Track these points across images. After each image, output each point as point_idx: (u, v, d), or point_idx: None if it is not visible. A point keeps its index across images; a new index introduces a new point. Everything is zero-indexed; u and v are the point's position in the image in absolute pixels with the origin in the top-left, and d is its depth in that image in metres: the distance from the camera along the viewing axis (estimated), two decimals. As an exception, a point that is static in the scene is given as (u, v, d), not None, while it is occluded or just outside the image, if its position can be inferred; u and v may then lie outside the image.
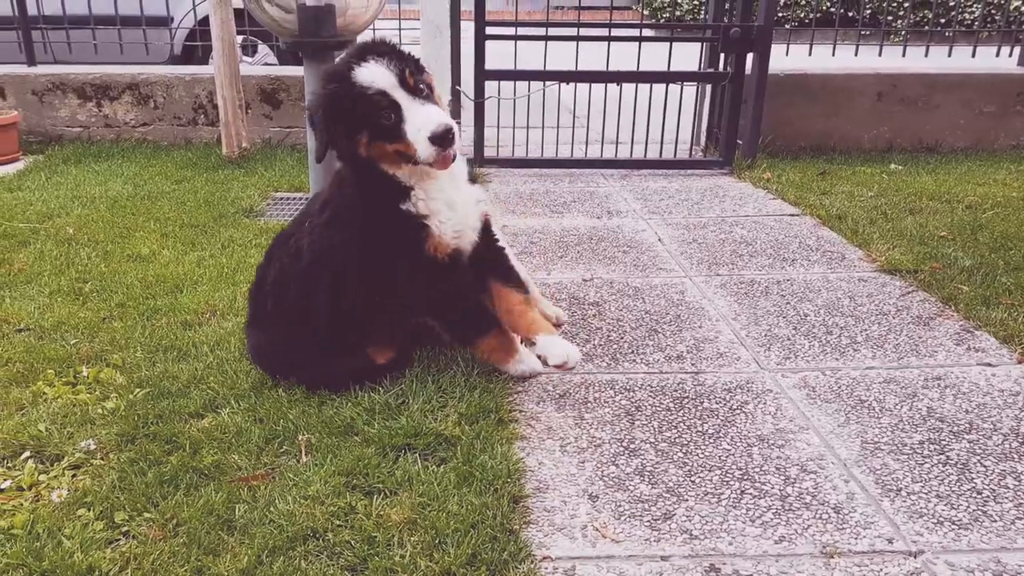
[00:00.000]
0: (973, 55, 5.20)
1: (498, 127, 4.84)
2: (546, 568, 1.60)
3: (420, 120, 1.94)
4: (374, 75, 1.95)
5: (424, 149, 1.95)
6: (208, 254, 3.19)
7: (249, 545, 1.60)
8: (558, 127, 4.81)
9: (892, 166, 4.77)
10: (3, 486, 1.80)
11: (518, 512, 1.74)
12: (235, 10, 4.59)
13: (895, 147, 5.14)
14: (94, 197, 3.94)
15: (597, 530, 1.71)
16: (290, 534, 1.63)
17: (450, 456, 1.90)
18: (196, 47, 6.00)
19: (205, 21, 5.24)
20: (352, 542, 1.61)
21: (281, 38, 2.99)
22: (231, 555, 1.57)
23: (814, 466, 1.93)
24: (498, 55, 4.62)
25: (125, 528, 1.66)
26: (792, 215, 3.92)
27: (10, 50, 5.43)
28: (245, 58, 6.37)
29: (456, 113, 4.62)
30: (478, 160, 4.75)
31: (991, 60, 5.26)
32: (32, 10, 5.34)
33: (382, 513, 1.69)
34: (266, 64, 6.50)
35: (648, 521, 1.74)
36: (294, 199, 4.07)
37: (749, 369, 2.41)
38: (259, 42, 6.59)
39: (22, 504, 1.74)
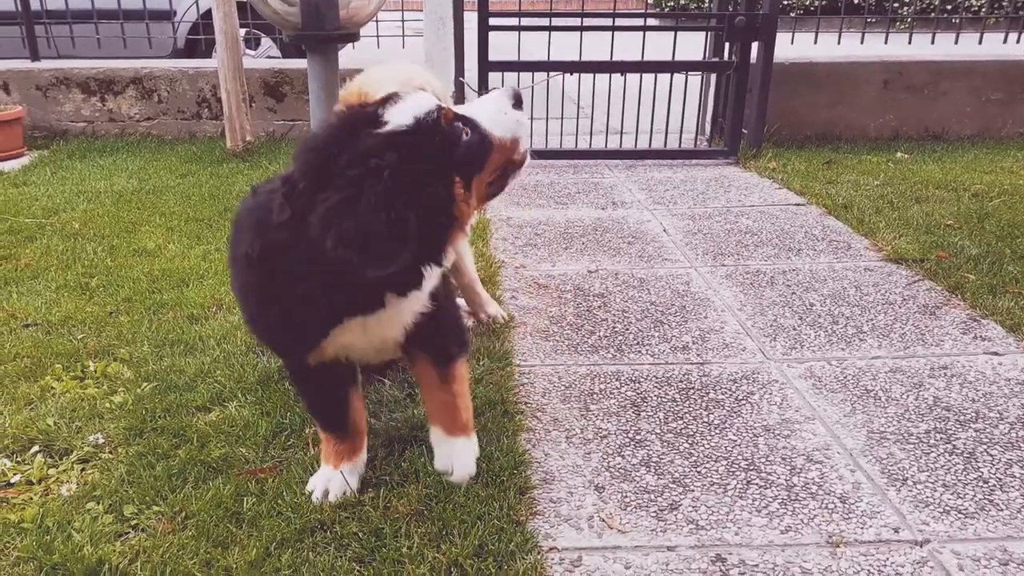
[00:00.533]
0: (980, 42, 5.16)
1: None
2: (552, 559, 1.60)
3: (495, 103, 1.52)
4: (417, 103, 1.41)
5: (519, 128, 1.52)
6: (213, 248, 3.20)
7: (257, 537, 1.61)
8: (562, 118, 4.80)
9: (898, 154, 4.74)
10: (13, 480, 1.81)
11: (524, 503, 1.74)
12: (238, 3, 4.58)
13: (901, 135, 5.11)
14: (99, 192, 3.95)
15: (603, 521, 1.72)
16: (298, 526, 1.64)
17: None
18: (199, 40, 5.99)
19: (208, 14, 5.24)
20: (360, 534, 1.62)
21: (284, 31, 2.98)
22: (240, 547, 1.58)
23: (820, 456, 1.93)
24: (501, 45, 4.61)
25: (134, 521, 1.68)
26: (798, 204, 3.90)
27: (13, 45, 5.43)
28: (248, 51, 6.36)
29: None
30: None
31: (998, 47, 5.21)
32: (35, 5, 5.34)
33: (389, 505, 1.70)
34: (269, 57, 6.49)
35: (654, 512, 1.74)
36: (298, 192, 4.07)
37: (755, 359, 2.41)
38: (262, 35, 6.59)
39: (32, 498, 1.76)
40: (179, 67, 5.22)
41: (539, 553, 1.60)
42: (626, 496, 1.79)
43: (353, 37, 2.87)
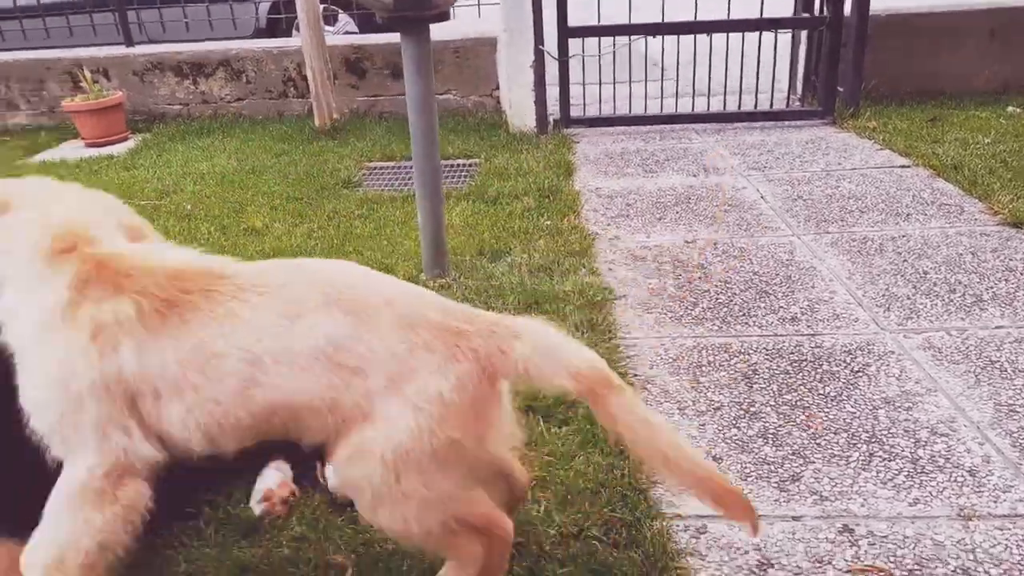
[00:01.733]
0: (1102, -19, 4.75)
1: (584, 85, 4.76)
2: (678, 526, 1.64)
3: None
4: None
5: None
6: (316, 226, 3.32)
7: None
8: (646, 81, 4.70)
9: (1009, 109, 4.45)
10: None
11: (644, 471, 1.78)
12: (319, -20, 4.65)
13: (1012, 88, 4.78)
14: (203, 173, 4.14)
15: (726, 491, 1.73)
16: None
17: (571, 418, 1.95)
18: (280, 19, 6.13)
19: (290, -7, 5.34)
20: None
21: (377, 12, 3.02)
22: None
23: (945, 428, 1.89)
24: (580, 5, 4.53)
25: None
26: (903, 166, 3.73)
27: (108, 31, 5.69)
28: (326, 28, 6.47)
29: (540, 73, 4.58)
30: (564, 121, 4.71)
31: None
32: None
33: (514, 473, 1.76)
34: (347, 33, 6.59)
35: (776, 483, 1.75)
36: (387, 168, 4.16)
37: (868, 330, 2.35)
38: (339, 11, 6.69)
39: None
40: (264, 47, 5.37)
41: (664, 520, 1.64)
42: (745, 467, 1.80)
43: (445, 16, 2.87)
